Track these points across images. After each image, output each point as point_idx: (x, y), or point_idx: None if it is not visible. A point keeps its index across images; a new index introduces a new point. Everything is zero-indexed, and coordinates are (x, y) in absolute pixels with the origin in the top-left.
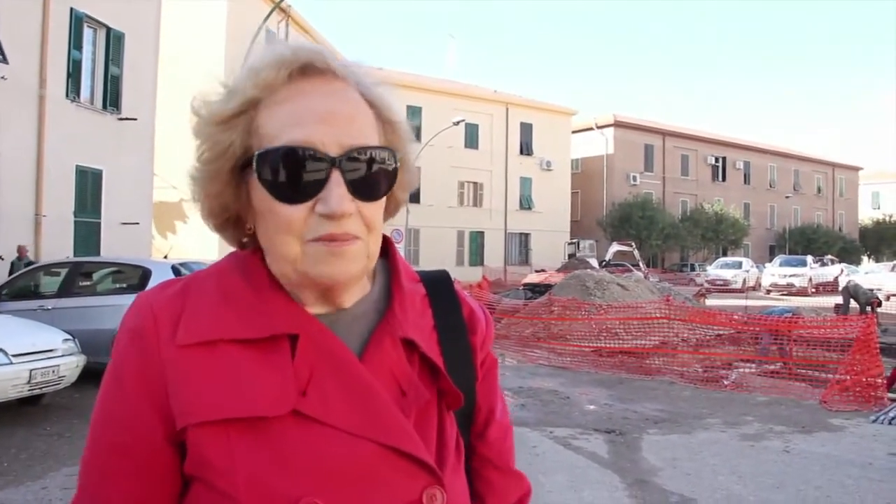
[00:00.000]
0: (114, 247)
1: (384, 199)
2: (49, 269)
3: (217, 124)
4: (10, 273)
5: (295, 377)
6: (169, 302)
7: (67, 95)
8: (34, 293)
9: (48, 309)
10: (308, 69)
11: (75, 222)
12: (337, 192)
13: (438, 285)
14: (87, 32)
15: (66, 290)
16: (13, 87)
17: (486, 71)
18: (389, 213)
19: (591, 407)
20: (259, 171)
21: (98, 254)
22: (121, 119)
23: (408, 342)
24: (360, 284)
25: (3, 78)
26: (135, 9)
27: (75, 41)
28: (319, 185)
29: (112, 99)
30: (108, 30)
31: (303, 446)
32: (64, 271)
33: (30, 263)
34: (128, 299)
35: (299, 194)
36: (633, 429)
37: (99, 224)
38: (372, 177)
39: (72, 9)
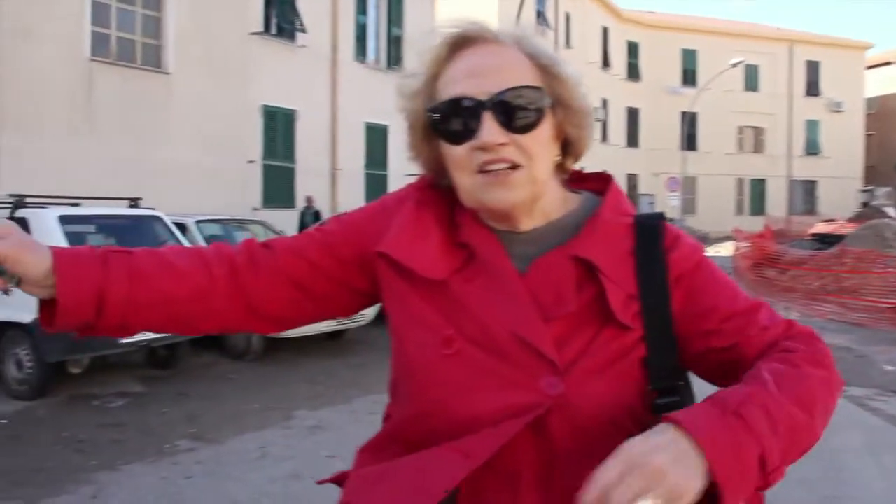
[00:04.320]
0: None
1: (542, 130)
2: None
3: (408, 98)
4: (301, 221)
5: (452, 263)
6: (397, 206)
7: (356, 58)
8: None
9: None
10: (467, 41)
11: (366, 174)
12: (486, 126)
13: (648, 219)
14: None
15: None
16: (310, 54)
17: (770, 9)
18: (576, 153)
19: (891, 367)
20: (433, 124)
21: None
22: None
23: (586, 262)
24: (540, 210)
25: (303, 46)
26: None
27: (361, 6)
28: (477, 126)
29: (394, 59)
30: None
31: (455, 303)
32: None
33: (317, 213)
34: None
35: (461, 135)
36: None
37: (386, 176)
38: (520, 111)
39: None
